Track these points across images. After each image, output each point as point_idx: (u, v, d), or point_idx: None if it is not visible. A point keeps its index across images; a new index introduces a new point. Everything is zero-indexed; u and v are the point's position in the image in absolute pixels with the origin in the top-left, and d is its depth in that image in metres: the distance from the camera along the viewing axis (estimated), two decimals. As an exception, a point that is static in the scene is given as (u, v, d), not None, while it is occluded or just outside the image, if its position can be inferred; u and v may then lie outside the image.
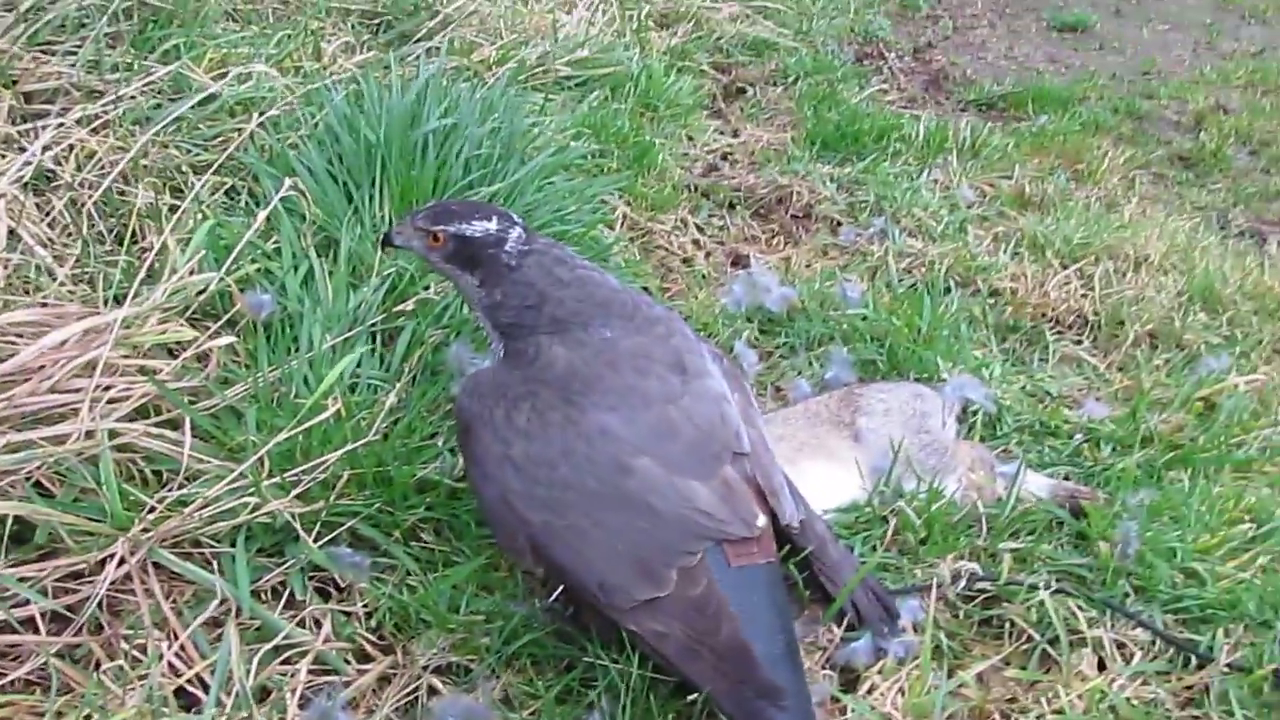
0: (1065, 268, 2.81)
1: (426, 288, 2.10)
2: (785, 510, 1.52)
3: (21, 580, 1.48)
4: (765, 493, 1.51)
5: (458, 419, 1.55)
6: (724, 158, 3.32)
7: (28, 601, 1.46)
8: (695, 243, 2.80)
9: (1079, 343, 2.58)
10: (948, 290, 2.66)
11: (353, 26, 3.09)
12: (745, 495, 1.46)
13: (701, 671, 1.35)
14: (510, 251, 1.62)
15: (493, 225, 1.64)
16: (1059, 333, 2.60)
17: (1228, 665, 1.61)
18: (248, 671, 1.45)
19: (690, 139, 3.35)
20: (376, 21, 3.19)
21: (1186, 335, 2.61)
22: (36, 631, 1.45)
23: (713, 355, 1.65)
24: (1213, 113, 4.25)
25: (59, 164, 2.11)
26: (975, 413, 2.17)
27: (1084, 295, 2.70)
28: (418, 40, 3.17)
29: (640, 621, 1.37)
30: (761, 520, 1.46)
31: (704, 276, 2.65)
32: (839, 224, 2.99)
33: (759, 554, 1.45)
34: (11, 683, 1.40)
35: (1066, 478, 2.03)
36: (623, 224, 2.72)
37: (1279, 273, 2.99)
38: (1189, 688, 1.60)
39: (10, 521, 1.51)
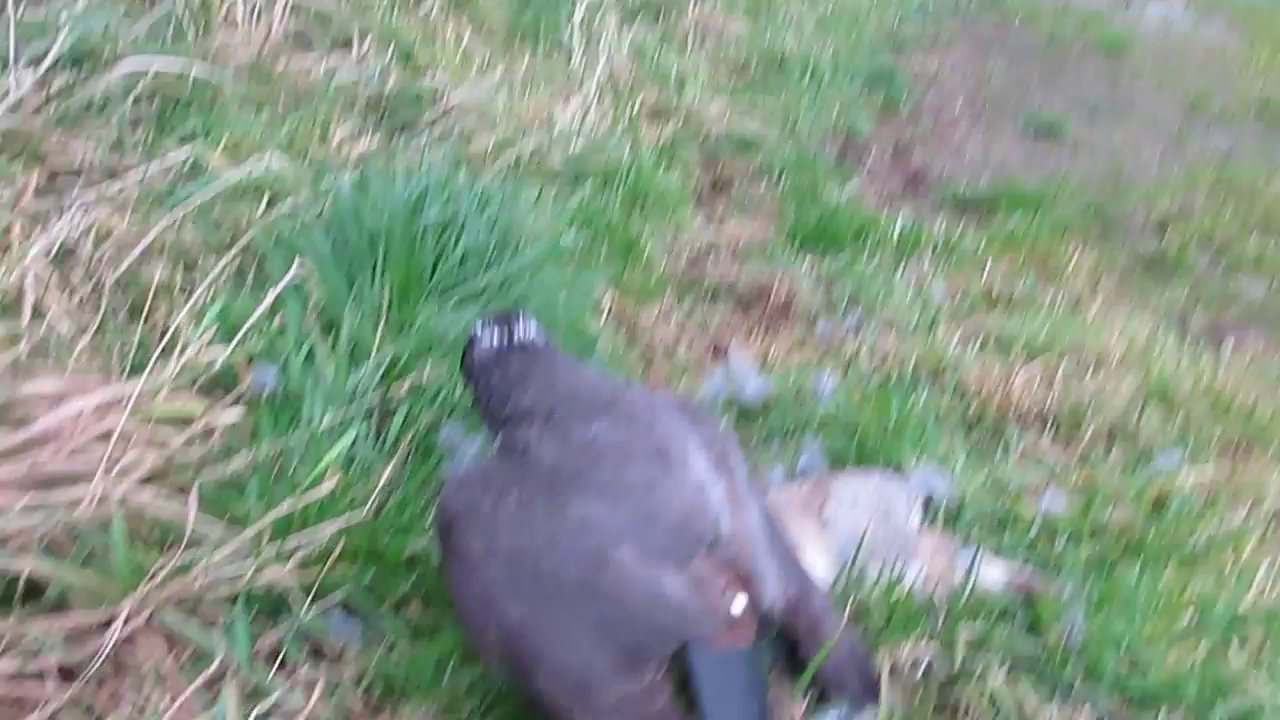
0: (1029, 365, 2.94)
1: (421, 370, 2.21)
2: (766, 595, 1.57)
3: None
4: (747, 578, 1.56)
5: (441, 516, 1.61)
6: (709, 250, 3.46)
7: (39, 653, 1.55)
8: (678, 333, 2.93)
9: (1040, 438, 2.71)
10: (917, 385, 2.78)
11: (359, 114, 3.24)
12: (716, 586, 1.51)
13: None
14: (481, 351, 1.79)
15: (478, 329, 1.80)
16: (1022, 428, 2.72)
17: (1167, 747, 1.72)
18: (244, 729, 1.54)
19: (677, 231, 3.49)
20: (381, 110, 3.34)
21: (1142, 432, 2.74)
22: (45, 683, 1.54)
23: (702, 442, 1.70)
24: (1177, 216, 4.41)
25: (80, 240, 2.23)
26: (939, 503, 2.29)
27: (1046, 392, 2.83)
28: (420, 129, 3.32)
29: None
30: (739, 606, 1.52)
31: (686, 366, 2.78)
32: (816, 317, 3.12)
33: (739, 638, 1.51)
34: (22, 732, 1.49)
35: (1024, 565, 2.14)
36: (610, 313, 2.85)
37: (1232, 374, 3.12)
38: (1130, 768, 1.70)
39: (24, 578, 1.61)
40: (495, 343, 1.79)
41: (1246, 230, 4.35)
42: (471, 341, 1.82)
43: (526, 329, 1.80)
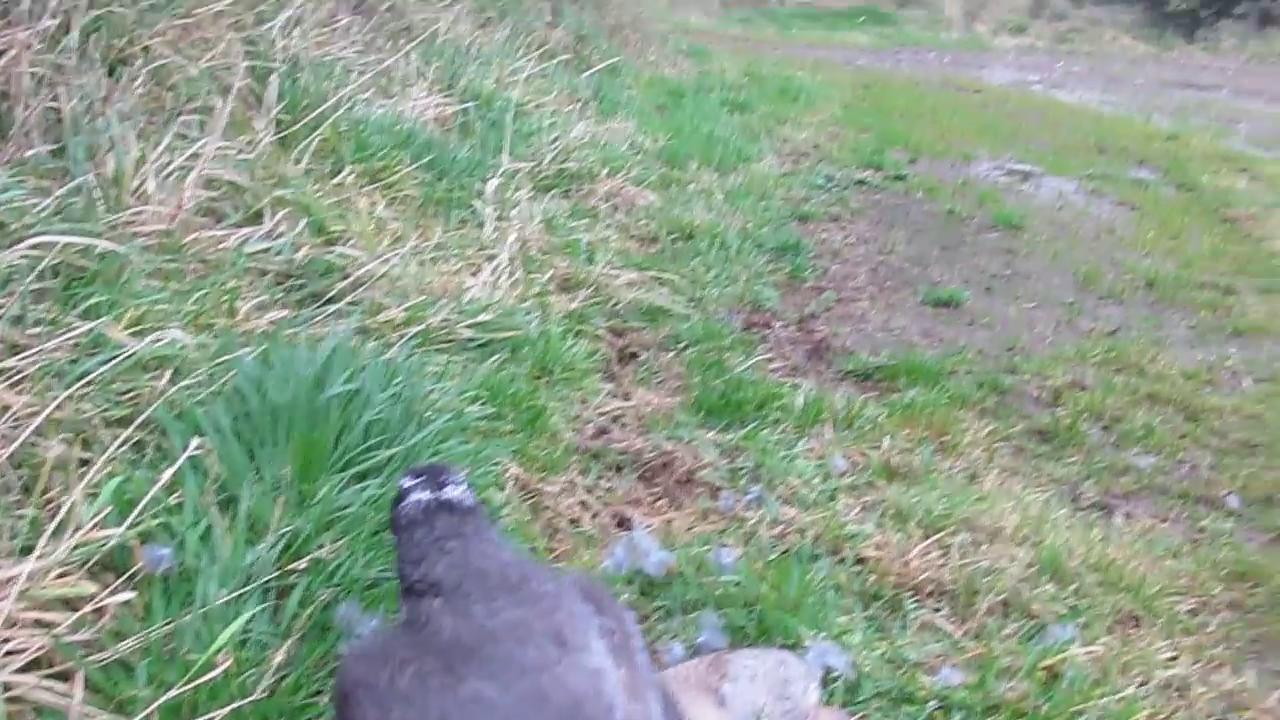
0: (927, 538, 3.00)
1: (320, 546, 2.21)
2: None
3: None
4: None
5: (340, 685, 1.60)
6: (615, 420, 3.51)
7: None
8: (582, 504, 2.95)
9: (937, 610, 2.75)
10: (816, 558, 2.83)
11: (268, 286, 3.27)
12: None
13: None
14: (409, 505, 1.77)
15: (408, 482, 1.80)
16: (918, 601, 2.77)
17: None
18: None
19: (583, 402, 3.54)
20: (291, 281, 3.38)
21: (1035, 605, 2.80)
22: None
23: (604, 628, 1.69)
24: (1070, 389, 4.57)
25: (-25, 416, 2.21)
26: (836, 679, 2.31)
27: (942, 565, 2.89)
28: (328, 300, 3.36)
29: None
30: None
31: (589, 538, 2.79)
32: (719, 489, 3.17)
33: None
34: None
35: (919, 744, 2.16)
36: (514, 485, 2.86)
37: (1123, 545, 3.22)
38: None
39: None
40: (424, 499, 1.79)
41: (1136, 404, 4.52)
42: (400, 495, 1.82)
43: (457, 488, 1.81)
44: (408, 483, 1.81)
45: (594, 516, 2.92)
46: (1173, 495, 3.76)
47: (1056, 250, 7.01)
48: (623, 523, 2.93)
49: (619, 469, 3.21)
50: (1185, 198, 9.39)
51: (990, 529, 3.11)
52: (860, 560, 2.87)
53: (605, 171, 6.25)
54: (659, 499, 3.09)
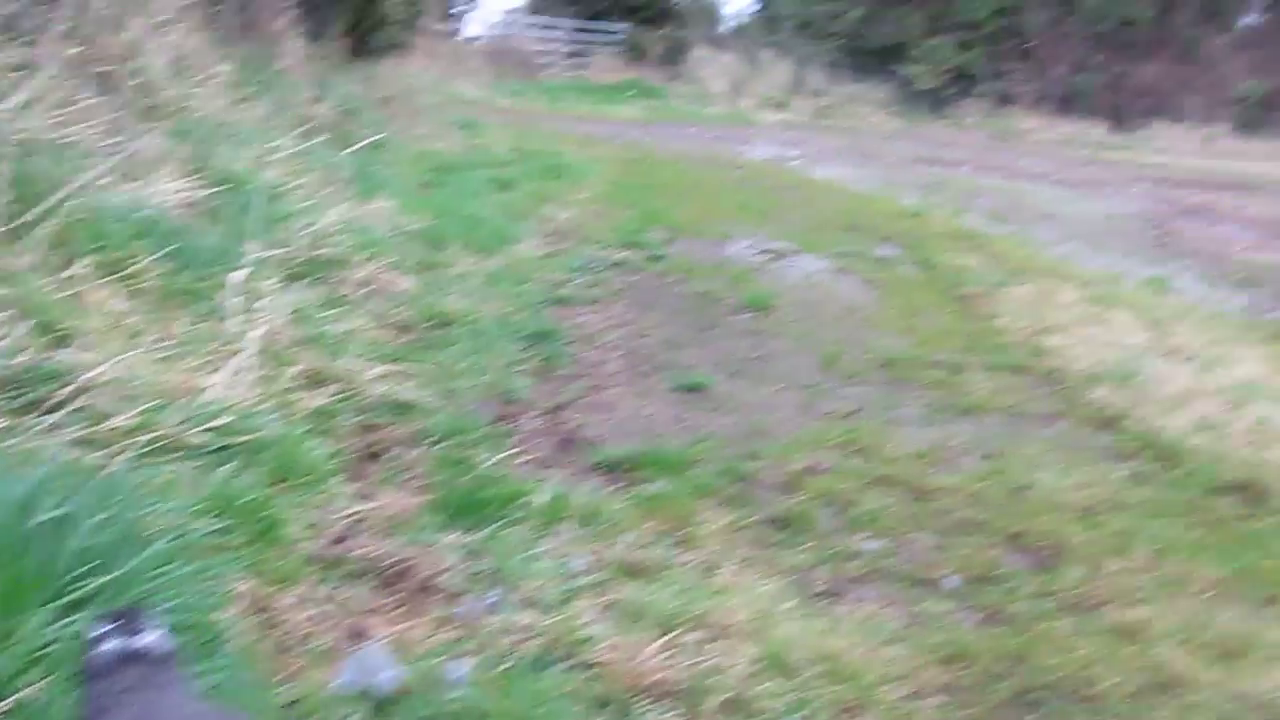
0: (660, 637, 3.09)
1: (24, 686, 2.12)
2: None
3: None
4: None
5: None
6: (358, 523, 3.48)
7: None
8: (317, 617, 2.91)
9: (667, 712, 2.83)
10: (548, 665, 2.88)
11: (-20, 396, 3.13)
12: None
13: None
14: (96, 657, 1.72)
15: (96, 630, 1.75)
16: (649, 703, 2.84)
17: None
18: None
19: (325, 506, 3.50)
20: (7, 390, 3.23)
21: (760, 702, 2.92)
22: None
23: None
24: (807, 474, 4.74)
25: None
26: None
27: (672, 665, 2.98)
28: (52, 408, 3.23)
29: None
30: None
31: (321, 654, 2.76)
32: (459, 595, 3.19)
33: None
34: None
35: None
36: (243, 604, 2.81)
37: (847, 634, 3.37)
38: None
39: None
40: (114, 647, 1.74)
41: (868, 486, 4.71)
42: (90, 643, 1.76)
43: (150, 634, 1.76)
44: (99, 630, 1.76)
45: (329, 630, 2.89)
46: (896, 579, 3.92)
47: (803, 331, 7.30)
48: (359, 635, 2.91)
49: (358, 577, 3.18)
50: (924, 276, 9.92)
51: (721, 625, 3.22)
52: (594, 664, 2.93)
53: (362, 256, 6.22)
54: (398, 608, 3.09)
